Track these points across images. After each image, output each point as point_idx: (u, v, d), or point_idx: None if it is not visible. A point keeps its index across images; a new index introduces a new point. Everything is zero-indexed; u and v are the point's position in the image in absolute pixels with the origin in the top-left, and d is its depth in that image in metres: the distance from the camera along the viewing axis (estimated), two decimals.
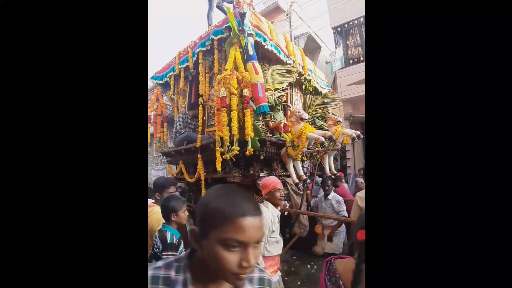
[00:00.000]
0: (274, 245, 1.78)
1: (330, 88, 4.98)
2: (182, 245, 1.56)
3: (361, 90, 5.68)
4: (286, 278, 2.99)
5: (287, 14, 8.52)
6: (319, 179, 3.95)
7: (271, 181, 1.92)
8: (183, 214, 1.61)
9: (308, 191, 3.19)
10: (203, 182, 3.19)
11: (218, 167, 2.74)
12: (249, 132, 2.55)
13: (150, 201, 2.09)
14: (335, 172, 3.78)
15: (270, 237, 1.74)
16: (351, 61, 6.99)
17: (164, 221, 1.60)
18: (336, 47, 7.61)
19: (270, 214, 1.80)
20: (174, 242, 1.48)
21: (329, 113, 4.05)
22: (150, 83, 4.39)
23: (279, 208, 1.94)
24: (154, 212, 1.84)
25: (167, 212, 1.58)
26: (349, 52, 7.06)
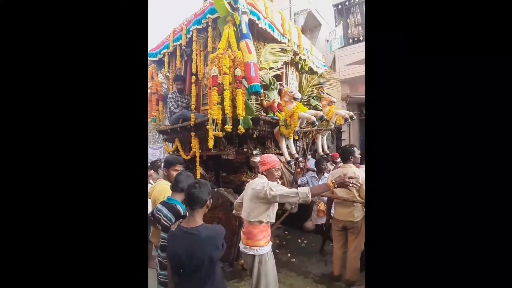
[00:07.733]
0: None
1: (327, 68, 4.93)
2: None
3: (359, 70, 5.58)
4: (277, 251, 3.17)
5: None
6: (311, 161, 4.01)
7: (271, 159, 1.93)
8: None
9: (299, 170, 3.27)
10: (198, 159, 3.28)
11: (210, 144, 2.80)
12: (240, 112, 2.61)
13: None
14: (328, 152, 3.85)
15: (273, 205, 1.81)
16: (350, 41, 6.81)
17: (169, 195, 1.67)
18: (336, 25, 7.40)
19: (263, 182, 1.83)
20: (186, 214, 1.51)
21: (323, 93, 4.05)
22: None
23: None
24: (160, 184, 2.09)
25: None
26: (349, 31, 6.86)
